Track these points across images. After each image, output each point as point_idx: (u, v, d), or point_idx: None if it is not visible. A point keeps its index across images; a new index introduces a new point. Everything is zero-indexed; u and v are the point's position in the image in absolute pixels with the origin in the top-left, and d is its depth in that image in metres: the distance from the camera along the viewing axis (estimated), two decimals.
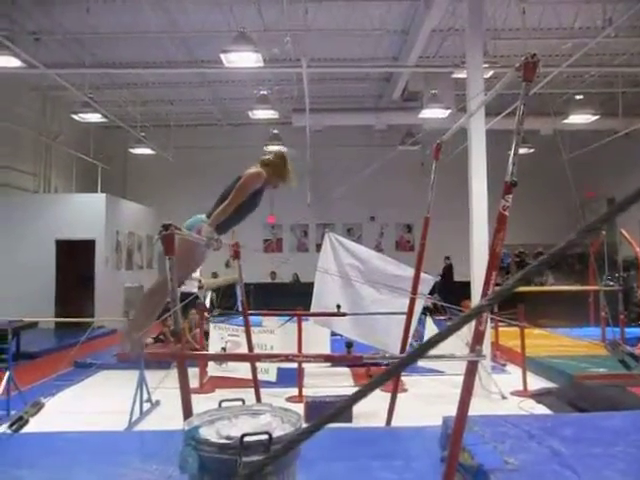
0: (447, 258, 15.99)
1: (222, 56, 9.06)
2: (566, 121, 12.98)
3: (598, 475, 3.41)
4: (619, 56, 11.46)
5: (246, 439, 2.81)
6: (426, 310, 7.98)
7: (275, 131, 15.72)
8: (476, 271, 7.10)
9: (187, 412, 3.37)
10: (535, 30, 10.36)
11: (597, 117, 12.74)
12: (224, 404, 3.37)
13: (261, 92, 12.95)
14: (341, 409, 1.16)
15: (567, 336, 10.10)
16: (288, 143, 15.67)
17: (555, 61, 10.34)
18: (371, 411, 5.96)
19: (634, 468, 3.49)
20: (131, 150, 15.87)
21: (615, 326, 9.51)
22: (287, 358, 3.56)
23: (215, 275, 14.29)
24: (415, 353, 1.20)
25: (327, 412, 1.17)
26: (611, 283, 11.96)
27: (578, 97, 12.80)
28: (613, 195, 16.10)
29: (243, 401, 3.43)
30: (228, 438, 2.88)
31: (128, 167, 17.37)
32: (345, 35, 11.10)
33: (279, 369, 6.96)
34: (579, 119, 12.79)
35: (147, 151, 15.83)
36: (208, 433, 2.95)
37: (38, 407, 4.44)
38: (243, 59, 9.12)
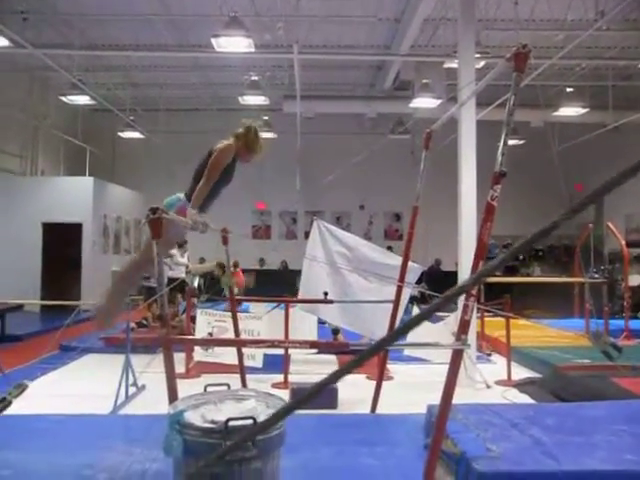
0: (437, 262, 16.01)
1: (213, 40, 8.98)
2: (556, 113, 13.03)
3: (578, 462, 3.46)
4: (610, 49, 11.49)
5: (231, 423, 2.82)
6: (413, 299, 8.03)
7: (265, 117, 15.62)
8: (464, 261, 7.12)
9: (172, 396, 3.37)
10: (527, 21, 10.35)
11: (587, 110, 12.79)
12: (209, 389, 3.38)
13: (252, 78, 12.86)
14: (320, 386, 1.16)
15: (552, 327, 10.20)
16: (278, 129, 15.63)
17: (547, 53, 10.34)
18: (356, 398, 6.00)
19: (614, 456, 3.53)
20: (120, 134, 15.73)
21: (599, 318, 9.62)
22: (273, 344, 3.58)
23: (202, 260, 14.27)
24: (397, 332, 1.20)
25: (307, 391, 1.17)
26: (596, 275, 12.08)
27: (569, 89, 12.83)
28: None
29: (228, 386, 3.44)
30: (213, 422, 2.89)
31: (117, 151, 17.21)
32: (337, 22, 11.04)
33: (265, 355, 6.98)
34: (569, 112, 12.84)
35: (136, 135, 15.71)
36: (193, 417, 2.96)
37: (21, 389, 4.42)
38: (234, 44, 9.04)
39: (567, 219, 1.11)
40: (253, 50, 9.44)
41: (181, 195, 4.25)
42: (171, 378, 3.36)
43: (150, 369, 6.04)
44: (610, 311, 9.98)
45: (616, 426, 4.07)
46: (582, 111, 12.78)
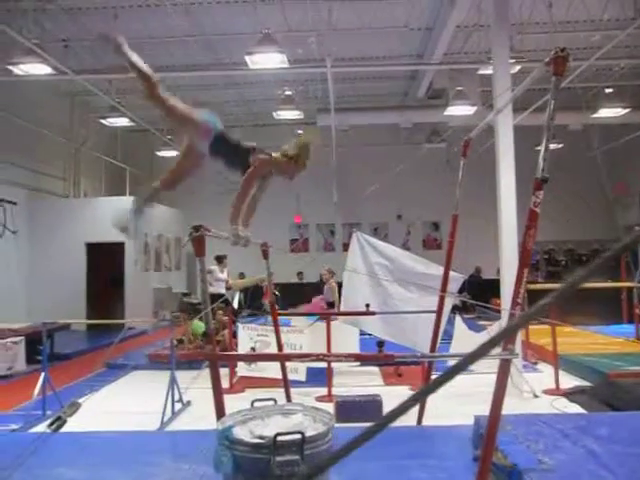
0: (477, 270, 15.83)
1: (247, 58, 9.11)
2: (595, 115, 12.77)
3: (636, 475, 3.36)
4: None
5: (279, 438, 2.83)
6: (455, 308, 7.93)
7: (300, 131, 15.73)
8: (505, 269, 7.02)
9: (220, 412, 3.40)
10: (562, 23, 10.20)
11: (628, 110, 12.50)
12: (256, 404, 3.40)
13: (286, 92, 12.98)
14: (403, 410, 1.15)
15: (599, 334, 9.95)
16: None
17: (583, 54, 10.16)
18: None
19: None
20: (158, 153, 16.04)
21: None
22: (318, 358, 3.57)
23: (242, 276, 14.38)
24: (475, 354, 1.18)
25: (386, 414, 1.15)
26: None
27: (608, 90, 12.56)
28: None
29: (275, 401, 3.45)
30: (261, 437, 2.90)
31: (155, 170, 17.52)
32: (369, 34, 11.07)
33: (308, 368, 6.98)
34: (609, 113, 12.56)
35: (174, 154, 15.98)
36: (241, 433, 2.98)
37: (75, 407, 4.52)
38: (267, 60, 9.17)
39: None
40: (286, 65, 9.54)
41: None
42: (218, 393, 3.38)
43: (195, 385, 6.09)
44: None
45: None
46: (622, 112, 12.49)
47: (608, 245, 15.76)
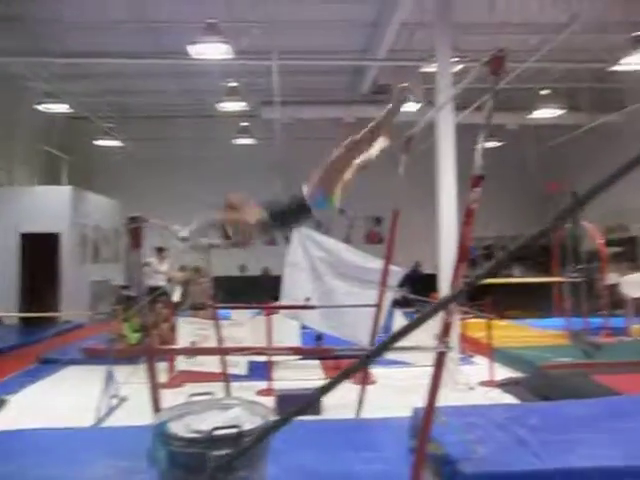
0: (418, 265, 16.09)
1: (190, 47, 8.96)
2: (532, 116, 13.17)
3: (561, 460, 3.49)
4: (584, 52, 11.65)
5: (215, 433, 2.81)
6: (396, 303, 8.03)
7: (244, 123, 15.62)
8: (444, 263, 7.17)
9: (156, 407, 3.35)
10: (503, 25, 10.46)
11: (562, 112, 12.95)
12: (193, 398, 3.35)
13: (230, 84, 12.83)
14: (310, 401, 1.15)
15: (533, 327, 10.30)
16: (257, 136, 15.61)
17: (522, 56, 10.46)
18: (340, 403, 5.99)
19: (596, 453, 3.58)
20: (96, 142, 15.60)
21: (579, 316, 9.75)
22: (256, 351, 3.55)
23: (183, 269, 14.16)
24: (383, 345, 1.20)
25: (296, 405, 1.17)
26: (574, 274, 12.21)
27: (544, 92, 12.97)
28: (577, 188, 16.43)
29: (212, 394, 3.42)
30: (197, 432, 2.87)
31: (94, 159, 17.05)
32: (315, 27, 11.06)
33: (249, 362, 6.95)
34: (545, 114, 12.99)
35: (113, 143, 15.59)
36: (177, 428, 2.93)
37: (1, 403, 4.35)
38: (211, 51, 9.02)
39: (554, 227, 1.12)
40: (231, 57, 9.43)
41: None
42: (154, 389, 3.33)
43: (133, 380, 5.98)
44: (589, 310, 10.11)
45: (597, 423, 4.13)
46: (557, 113, 12.94)
47: (543, 241, 16.32)
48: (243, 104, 12.82)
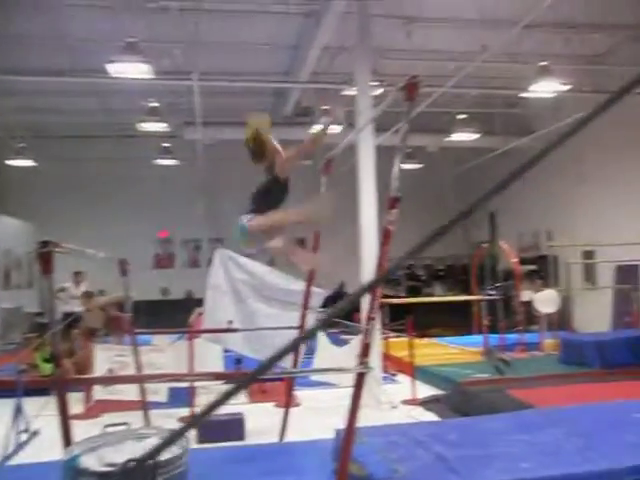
0: (341, 285, 16.22)
1: (109, 66, 8.76)
2: (450, 139, 13.65)
3: (478, 475, 3.58)
4: (496, 79, 12.22)
5: (130, 465, 2.70)
6: None
7: (166, 144, 15.38)
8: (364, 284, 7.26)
9: (67, 441, 3.19)
10: (421, 51, 10.84)
11: (478, 135, 13.50)
12: (108, 429, 3.23)
13: (151, 104, 12.61)
14: (200, 417, 1.15)
15: (453, 344, 10.57)
16: (180, 156, 15.39)
17: (439, 81, 10.84)
18: (264, 427, 5.93)
19: (510, 466, 3.69)
20: (8, 162, 14.91)
21: (496, 333, 10.09)
22: (175, 378, 3.47)
23: (102, 293, 13.69)
24: (269, 362, 1.20)
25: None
26: (492, 292, 12.66)
27: (461, 116, 13.50)
28: (494, 208, 17.14)
29: (128, 425, 3.30)
30: (111, 465, 2.76)
31: (6, 180, 16.27)
32: (237, 49, 11.08)
33: (170, 389, 6.76)
34: (462, 137, 13.49)
35: (28, 163, 14.94)
36: (89, 462, 2.81)
37: None
38: (131, 69, 8.86)
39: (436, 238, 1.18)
40: (151, 76, 9.29)
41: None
42: (65, 421, 3.18)
43: (45, 412, 5.68)
44: (505, 326, 10.49)
45: (512, 436, 4.26)
46: (473, 136, 13.47)
47: (463, 260, 16.85)
48: (164, 125, 12.62)
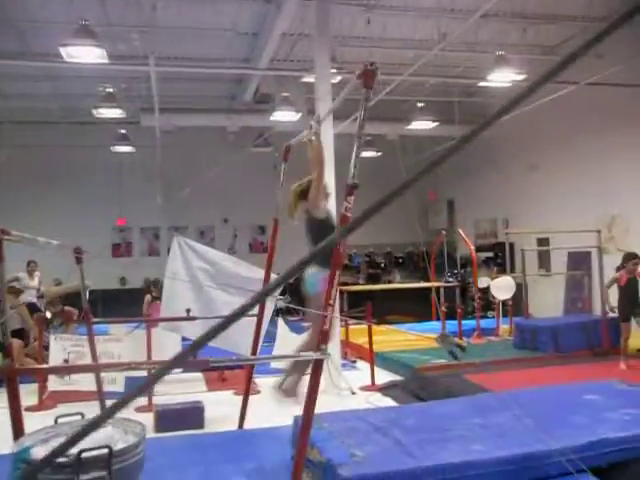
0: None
1: (62, 50, 8.51)
2: (409, 127, 13.75)
3: (434, 458, 3.64)
4: (454, 68, 12.35)
5: (84, 455, 2.67)
6: (279, 311, 8.05)
7: (123, 131, 15.08)
8: None
9: (18, 432, 3.13)
10: (380, 39, 10.85)
11: (436, 124, 13.62)
12: (61, 420, 3.18)
13: (107, 89, 12.33)
14: (96, 424, 1.15)
15: (412, 331, 10.69)
16: (136, 143, 15.11)
17: (399, 70, 10.90)
18: (224, 415, 5.92)
19: (465, 448, 3.76)
20: None
21: (454, 319, 10.26)
22: (131, 366, 3.43)
23: (58, 282, 13.40)
24: (186, 353, 1.19)
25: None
26: (450, 279, 12.87)
27: (420, 105, 13.59)
28: (453, 196, 17.38)
29: (82, 415, 3.25)
30: (65, 456, 2.71)
31: None
32: (196, 34, 10.90)
33: (128, 378, 6.66)
34: (420, 125, 13.59)
35: None
36: (41, 453, 2.76)
37: None
38: (85, 54, 8.62)
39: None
40: (106, 61, 9.07)
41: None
42: (16, 412, 3.11)
43: None
44: (463, 312, 10.68)
45: (467, 420, 4.35)
46: (432, 125, 13.59)
47: (422, 248, 17.05)
48: (120, 111, 12.35)
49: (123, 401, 1.18)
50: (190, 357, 1.23)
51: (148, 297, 8.54)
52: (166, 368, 1.19)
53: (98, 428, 1.33)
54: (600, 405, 4.66)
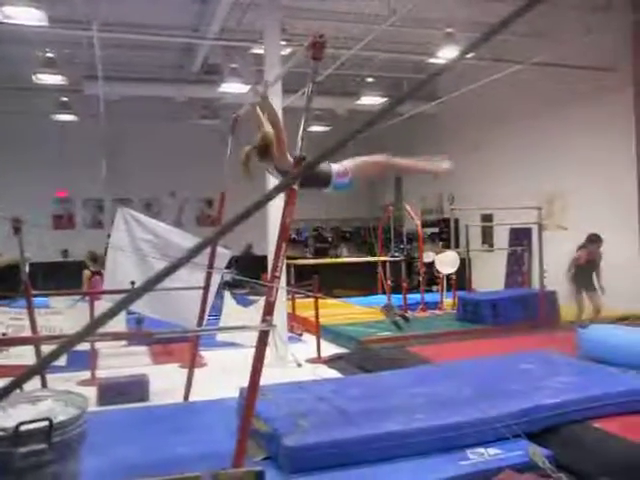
0: (249, 247, 16.16)
1: None
2: (358, 102, 13.76)
3: (376, 426, 3.74)
4: (405, 44, 12.37)
5: (23, 428, 2.63)
6: (226, 284, 8.01)
7: (64, 98, 14.55)
8: (272, 244, 7.28)
9: None
10: (331, 12, 10.77)
11: (385, 99, 13.68)
12: None
13: (47, 54, 11.84)
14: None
15: (358, 304, 10.85)
16: (79, 112, 14.63)
17: (349, 44, 10.85)
18: (169, 388, 5.90)
19: (406, 417, 3.88)
20: None
21: (399, 293, 10.45)
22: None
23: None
24: (83, 333, 1.19)
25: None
26: (397, 254, 13.07)
27: (369, 80, 13.60)
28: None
29: (21, 388, 3.18)
30: (2, 430, 2.67)
31: None
32: (143, 0, 10.56)
33: (71, 352, 6.55)
34: (370, 101, 13.62)
35: None
36: None
37: None
38: (23, 15, 8.24)
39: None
40: (46, 24, 8.69)
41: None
42: None
43: None
44: (408, 286, 10.88)
45: (409, 389, 4.47)
46: (381, 100, 13.64)
47: (370, 223, 17.22)
48: (61, 77, 11.90)
49: (33, 370, 1.16)
50: (107, 323, 1.22)
51: (87, 272, 8.36)
52: (80, 337, 1.18)
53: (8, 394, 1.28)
54: (535, 374, 4.86)
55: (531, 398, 4.19)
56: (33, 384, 4.53)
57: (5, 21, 8.29)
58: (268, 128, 4.00)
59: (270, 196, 1.24)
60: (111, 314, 1.16)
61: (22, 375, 1.12)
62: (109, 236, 6.52)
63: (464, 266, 10.81)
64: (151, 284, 1.17)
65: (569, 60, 10.22)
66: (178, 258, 1.32)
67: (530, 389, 4.41)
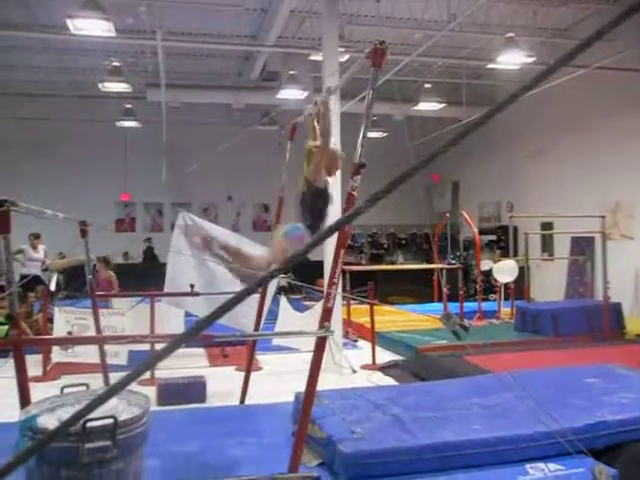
0: None
1: (68, 22, 8.45)
2: (416, 108, 13.67)
3: (432, 436, 3.69)
4: (463, 49, 12.23)
5: (89, 424, 2.71)
6: (281, 289, 8.07)
7: (128, 105, 15.02)
8: (328, 250, 7.29)
9: (24, 401, 3.17)
10: (389, 19, 10.75)
11: (443, 105, 13.54)
12: (66, 390, 3.22)
13: (113, 63, 12.25)
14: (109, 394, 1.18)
15: (413, 312, 10.73)
16: (143, 119, 15.07)
17: (407, 50, 10.80)
18: (226, 390, 5.98)
19: (464, 427, 3.81)
20: None
21: (455, 301, 10.30)
22: (135, 339, 3.46)
23: (62, 256, 13.46)
24: (198, 325, 1.22)
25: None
26: (453, 261, 12.89)
27: (427, 86, 13.50)
28: (457, 179, 17.33)
29: (87, 386, 3.29)
30: (70, 425, 2.75)
31: None
32: (204, 9, 10.81)
33: (131, 352, 6.73)
34: (427, 106, 13.51)
35: None
36: (47, 421, 2.80)
37: None
38: (91, 26, 8.55)
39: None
40: (113, 34, 9.00)
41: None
42: (23, 381, 3.15)
43: (2, 374, 5.61)
44: (465, 294, 10.71)
45: (466, 400, 4.39)
46: (439, 106, 13.51)
47: (425, 229, 17.04)
48: (126, 85, 12.29)
49: (132, 376, 1.20)
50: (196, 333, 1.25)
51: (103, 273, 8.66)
52: (175, 344, 1.21)
53: (107, 400, 1.35)
54: (599, 388, 4.70)
55: (595, 413, 4.05)
56: (96, 382, 4.68)
57: (76, 32, 8.61)
58: (313, 142, 4.04)
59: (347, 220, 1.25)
60: (207, 322, 1.19)
61: (137, 370, 1.17)
62: (149, 240, 6.70)
63: (523, 275, 10.56)
64: (235, 301, 1.20)
65: (634, 64, 9.88)
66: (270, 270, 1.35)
67: (594, 404, 4.26)
